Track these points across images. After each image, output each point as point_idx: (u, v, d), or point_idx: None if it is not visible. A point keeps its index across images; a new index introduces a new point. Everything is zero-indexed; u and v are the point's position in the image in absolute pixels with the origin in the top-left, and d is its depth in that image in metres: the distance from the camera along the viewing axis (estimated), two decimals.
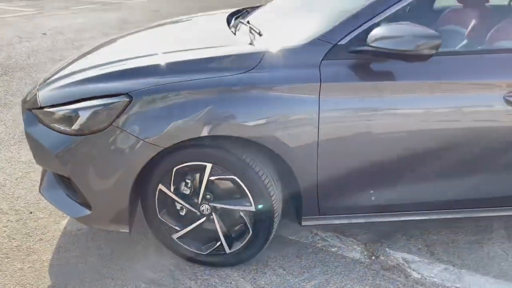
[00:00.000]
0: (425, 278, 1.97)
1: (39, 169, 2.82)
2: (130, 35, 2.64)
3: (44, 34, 7.25)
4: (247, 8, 2.89)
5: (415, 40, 1.57)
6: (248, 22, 2.32)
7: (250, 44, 1.97)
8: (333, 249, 2.16)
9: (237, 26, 2.38)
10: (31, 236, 2.21)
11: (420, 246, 2.19)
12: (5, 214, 2.38)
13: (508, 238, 2.26)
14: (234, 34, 2.23)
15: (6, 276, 1.93)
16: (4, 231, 2.24)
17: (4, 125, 3.54)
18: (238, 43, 2.06)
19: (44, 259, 2.05)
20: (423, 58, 1.61)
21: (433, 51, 1.58)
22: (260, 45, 1.90)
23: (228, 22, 2.50)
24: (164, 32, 2.66)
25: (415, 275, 1.99)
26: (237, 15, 2.70)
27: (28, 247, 2.12)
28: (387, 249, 2.17)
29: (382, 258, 2.11)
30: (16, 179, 2.73)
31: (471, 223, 2.35)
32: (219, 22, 2.52)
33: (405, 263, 2.07)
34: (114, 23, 8.28)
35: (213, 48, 1.96)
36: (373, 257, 2.11)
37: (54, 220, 2.33)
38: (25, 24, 8.22)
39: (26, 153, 3.04)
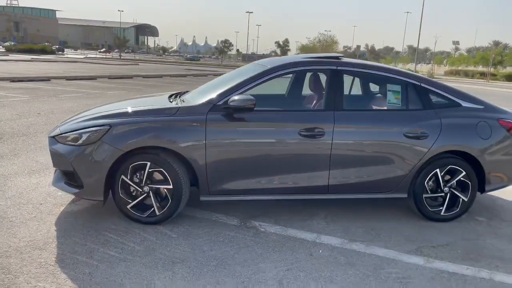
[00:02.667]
0: (266, 230, 3.60)
1: (43, 186, 4.39)
2: (114, 102, 4.44)
3: (39, 113, 9.02)
4: (185, 91, 4.78)
5: (245, 101, 3.42)
6: (180, 96, 4.19)
7: (177, 105, 3.79)
8: (221, 220, 3.77)
9: (174, 98, 4.22)
10: (42, 212, 3.73)
11: (272, 220, 3.83)
12: (24, 205, 3.90)
13: (324, 218, 3.94)
14: (171, 102, 4.05)
15: (30, 229, 3.42)
16: (25, 210, 3.75)
17: (16, 165, 5.11)
18: (170, 105, 3.87)
19: (52, 221, 3.56)
20: (250, 110, 3.46)
21: (253, 106, 3.43)
22: (180, 105, 3.72)
23: (170, 97, 4.34)
24: (133, 100, 4.48)
25: (262, 230, 3.62)
26: (176, 94, 4.56)
27: (41, 217, 3.63)
28: (252, 221, 3.80)
29: (248, 224, 3.73)
30: (30, 190, 4.27)
31: (307, 211, 4.04)
32: (164, 97, 4.36)
33: (259, 226, 3.70)
34: None
35: (156, 106, 3.77)
36: (242, 223, 3.73)
37: (57, 207, 3.87)
38: (21, 106, 9.99)
39: (34, 180, 4.60)
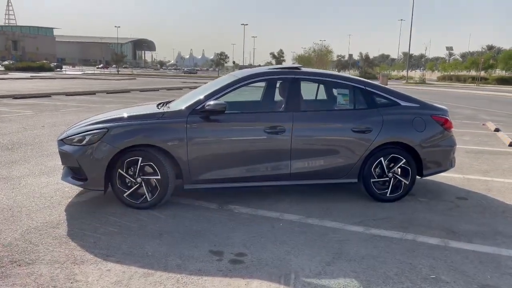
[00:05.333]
0: (239, 211, 4.36)
1: (53, 184, 5.17)
2: (111, 111, 5.24)
3: (43, 126, 9.81)
4: (172, 100, 5.58)
5: (217, 105, 4.21)
6: (166, 104, 4.99)
7: (163, 110, 4.58)
8: (202, 205, 4.54)
9: (161, 106, 5.02)
10: (53, 203, 4.49)
11: (244, 204, 4.60)
12: (38, 198, 4.66)
13: (289, 202, 4.70)
14: (158, 108, 4.84)
15: (45, 214, 4.18)
16: (39, 201, 4.51)
17: (28, 169, 5.89)
18: (158, 110, 4.66)
19: (62, 209, 4.32)
20: (222, 112, 4.25)
21: (224, 109, 4.22)
22: (165, 110, 4.51)
23: (158, 105, 5.14)
24: (127, 109, 5.28)
25: (236, 211, 4.38)
26: (164, 102, 5.36)
27: (53, 206, 4.39)
28: (229, 205, 4.56)
29: (224, 207, 4.50)
30: (41, 187, 5.04)
31: (275, 197, 4.80)
32: (153, 105, 5.16)
33: (233, 208, 4.46)
34: None
35: (147, 112, 4.57)
36: (220, 207, 4.50)
37: (65, 199, 4.64)
38: (26, 120, 10.79)
39: (44, 179, 5.38)
